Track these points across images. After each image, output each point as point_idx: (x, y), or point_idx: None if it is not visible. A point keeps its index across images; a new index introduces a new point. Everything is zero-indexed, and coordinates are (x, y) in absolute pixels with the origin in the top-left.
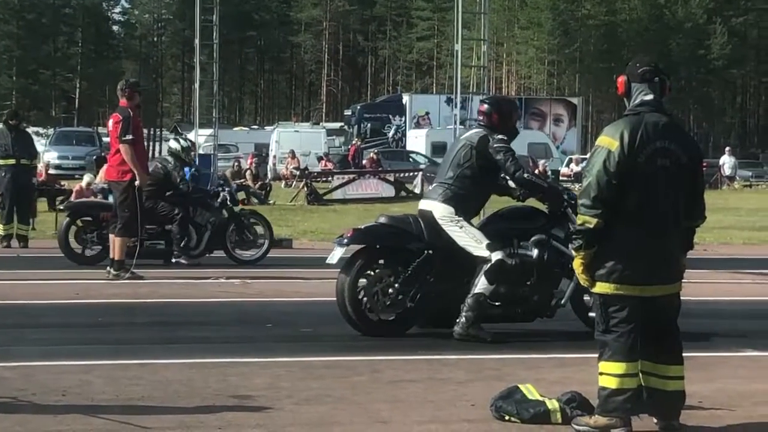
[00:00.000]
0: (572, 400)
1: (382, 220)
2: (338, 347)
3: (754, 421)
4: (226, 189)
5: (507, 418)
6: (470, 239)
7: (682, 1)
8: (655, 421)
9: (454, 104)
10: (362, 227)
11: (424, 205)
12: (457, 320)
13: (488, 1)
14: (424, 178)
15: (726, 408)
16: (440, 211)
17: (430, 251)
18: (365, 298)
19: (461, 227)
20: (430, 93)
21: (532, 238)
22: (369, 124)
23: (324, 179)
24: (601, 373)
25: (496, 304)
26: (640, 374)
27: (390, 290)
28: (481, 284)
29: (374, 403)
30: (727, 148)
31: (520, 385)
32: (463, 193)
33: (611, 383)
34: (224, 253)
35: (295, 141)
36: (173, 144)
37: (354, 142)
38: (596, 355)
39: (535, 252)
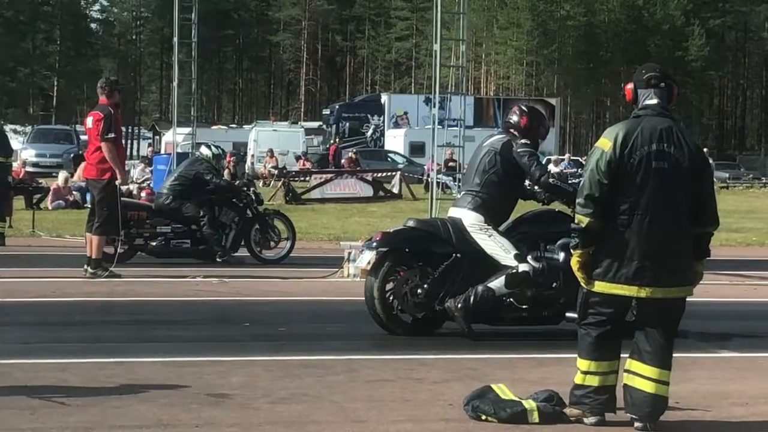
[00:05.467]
0: (550, 398)
1: (411, 223)
2: (315, 346)
3: (729, 421)
4: (251, 189)
5: (484, 417)
6: (498, 248)
7: (661, 2)
8: (629, 416)
9: (433, 104)
10: (391, 231)
11: (453, 212)
12: (456, 297)
13: (467, 2)
14: (402, 177)
15: (701, 408)
16: (470, 219)
17: (459, 255)
18: (393, 299)
19: (490, 236)
20: (408, 93)
21: (559, 242)
22: (347, 124)
23: (302, 178)
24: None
25: (524, 307)
26: (627, 373)
27: (419, 291)
28: (497, 282)
29: (351, 402)
30: (705, 150)
31: (492, 385)
32: (491, 200)
33: (576, 377)
34: (248, 252)
35: (274, 140)
36: (204, 150)
37: (333, 141)
38: (573, 355)
39: (561, 255)
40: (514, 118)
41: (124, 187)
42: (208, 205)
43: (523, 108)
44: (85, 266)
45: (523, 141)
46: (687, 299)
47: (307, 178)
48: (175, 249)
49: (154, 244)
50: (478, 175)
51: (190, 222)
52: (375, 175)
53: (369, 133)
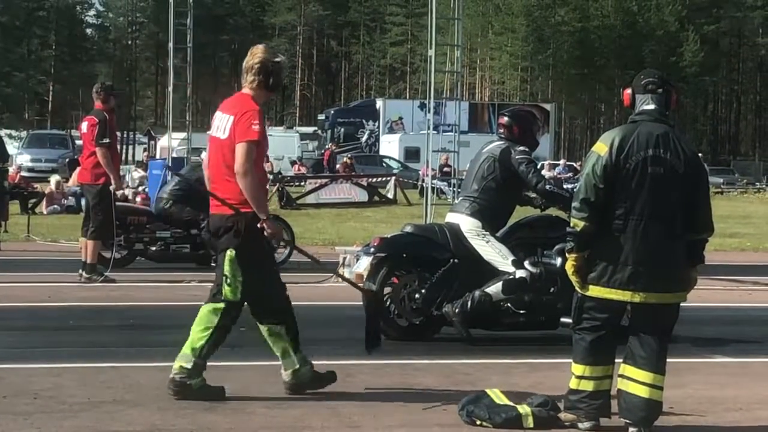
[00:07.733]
0: (545, 403)
1: (408, 229)
2: (309, 351)
3: (724, 426)
4: None
5: (479, 422)
6: (496, 254)
7: (655, 8)
8: (624, 421)
9: (428, 109)
10: (389, 236)
11: (451, 218)
12: (454, 302)
13: (462, 7)
14: (397, 183)
15: (696, 414)
16: (467, 224)
17: (456, 260)
18: (391, 303)
19: (487, 242)
20: (403, 98)
21: (556, 247)
22: (342, 129)
23: (297, 183)
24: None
25: (521, 312)
26: (621, 378)
27: (416, 296)
28: (494, 288)
29: (346, 407)
30: (699, 155)
31: (487, 390)
32: (489, 206)
33: (571, 382)
34: None
35: (269, 145)
36: (204, 155)
37: (328, 146)
38: (568, 360)
39: (558, 261)
40: (507, 132)
41: (119, 192)
42: (207, 209)
43: (510, 117)
44: (80, 271)
45: (521, 148)
46: (681, 304)
47: (302, 183)
48: (175, 254)
49: (153, 248)
50: (477, 181)
51: (190, 226)
52: (370, 180)
53: (364, 139)
